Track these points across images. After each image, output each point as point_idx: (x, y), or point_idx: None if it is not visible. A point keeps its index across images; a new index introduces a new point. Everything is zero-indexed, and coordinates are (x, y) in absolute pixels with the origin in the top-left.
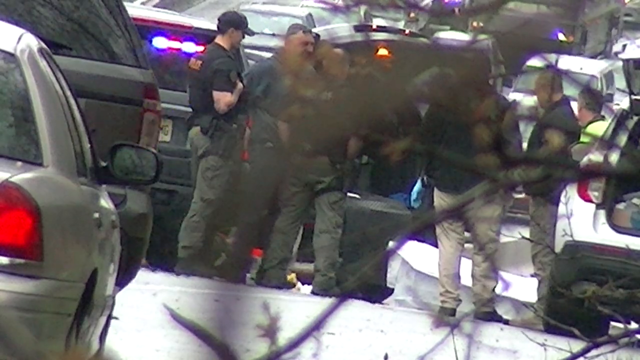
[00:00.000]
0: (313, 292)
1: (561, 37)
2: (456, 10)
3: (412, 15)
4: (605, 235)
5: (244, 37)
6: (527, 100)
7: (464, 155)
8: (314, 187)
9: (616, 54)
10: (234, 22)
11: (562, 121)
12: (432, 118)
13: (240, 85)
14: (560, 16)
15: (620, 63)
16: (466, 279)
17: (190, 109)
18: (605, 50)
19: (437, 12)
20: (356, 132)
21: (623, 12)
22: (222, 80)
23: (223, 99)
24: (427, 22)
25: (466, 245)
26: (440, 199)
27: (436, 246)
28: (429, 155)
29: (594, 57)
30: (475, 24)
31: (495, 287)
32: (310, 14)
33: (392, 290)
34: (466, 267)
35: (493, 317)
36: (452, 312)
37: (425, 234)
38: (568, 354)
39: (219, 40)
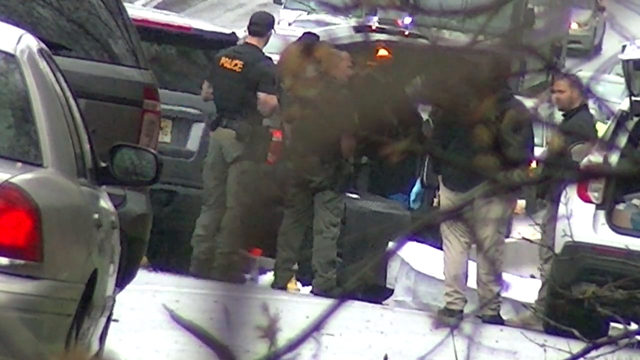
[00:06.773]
0: (313, 293)
1: None
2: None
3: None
4: (605, 236)
5: None
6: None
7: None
8: (307, 186)
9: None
10: (271, 25)
11: (580, 127)
12: (439, 120)
13: None
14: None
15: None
16: (470, 282)
17: (193, 110)
18: (546, 82)
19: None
20: (353, 132)
21: (568, 39)
22: (269, 82)
23: (270, 101)
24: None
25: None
26: (447, 198)
27: (436, 247)
28: (430, 155)
29: (530, 95)
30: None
31: (500, 290)
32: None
33: (392, 290)
34: (471, 270)
35: (497, 319)
36: (460, 312)
37: (425, 234)
38: (568, 355)
39: (253, 41)
